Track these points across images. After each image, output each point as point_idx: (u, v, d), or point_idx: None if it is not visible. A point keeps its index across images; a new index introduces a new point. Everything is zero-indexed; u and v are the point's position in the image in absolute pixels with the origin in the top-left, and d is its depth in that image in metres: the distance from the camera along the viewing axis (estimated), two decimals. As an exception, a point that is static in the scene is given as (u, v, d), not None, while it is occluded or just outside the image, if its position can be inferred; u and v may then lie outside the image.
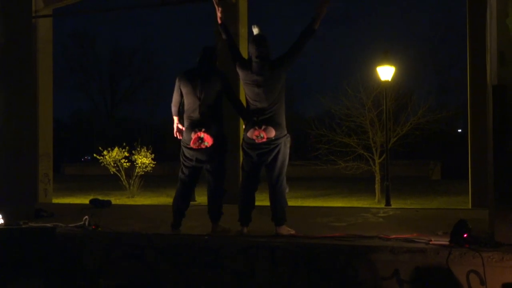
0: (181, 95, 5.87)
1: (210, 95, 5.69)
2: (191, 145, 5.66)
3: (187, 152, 5.84)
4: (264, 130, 5.48)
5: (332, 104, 17.01)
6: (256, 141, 5.52)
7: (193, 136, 5.62)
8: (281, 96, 5.60)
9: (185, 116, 5.85)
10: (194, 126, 5.69)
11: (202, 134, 5.59)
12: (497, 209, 4.98)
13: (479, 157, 9.46)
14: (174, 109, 6.01)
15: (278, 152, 5.57)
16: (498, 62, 4.95)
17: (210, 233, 5.77)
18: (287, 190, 5.73)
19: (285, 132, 5.63)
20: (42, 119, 12.39)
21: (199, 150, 5.69)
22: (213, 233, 5.76)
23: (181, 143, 5.89)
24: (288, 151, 5.68)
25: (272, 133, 5.49)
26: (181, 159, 5.92)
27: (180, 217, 5.95)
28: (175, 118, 6.02)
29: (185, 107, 5.83)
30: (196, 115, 5.71)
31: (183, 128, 5.87)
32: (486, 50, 5.78)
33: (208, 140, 5.60)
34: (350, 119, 16.09)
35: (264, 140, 5.49)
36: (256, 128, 5.51)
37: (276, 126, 5.51)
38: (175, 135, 6.02)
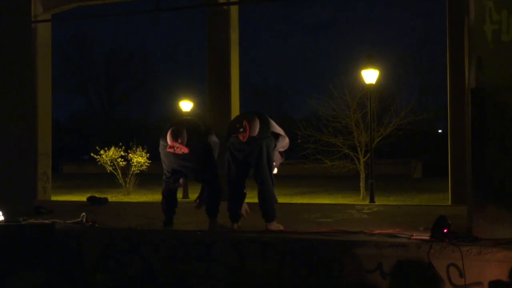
0: None
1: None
2: (168, 149, 5.77)
3: (166, 153, 5.94)
4: (247, 120, 5.58)
5: (320, 106, 17.24)
6: (238, 134, 5.59)
7: (170, 143, 5.72)
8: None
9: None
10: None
11: (176, 145, 5.69)
12: (475, 206, 5.17)
13: (458, 157, 9.74)
14: None
15: (262, 152, 5.68)
16: (476, 66, 5.09)
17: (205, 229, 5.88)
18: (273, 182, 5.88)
19: (269, 135, 5.76)
20: (42, 121, 12.50)
21: (176, 155, 5.79)
22: (210, 229, 5.89)
23: (161, 147, 5.96)
24: (272, 152, 5.83)
25: (256, 126, 5.59)
26: (162, 159, 6.04)
27: (170, 215, 6.10)
28: None
29: None
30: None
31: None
32: (465, 55, 5.90)
33: (184, 149, 5.70)
34: (336, 120, 16.30)
35: (247, 131, 5.56)
36: (238, 120, 5.66)
37: (259, 124, 5.63)
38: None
